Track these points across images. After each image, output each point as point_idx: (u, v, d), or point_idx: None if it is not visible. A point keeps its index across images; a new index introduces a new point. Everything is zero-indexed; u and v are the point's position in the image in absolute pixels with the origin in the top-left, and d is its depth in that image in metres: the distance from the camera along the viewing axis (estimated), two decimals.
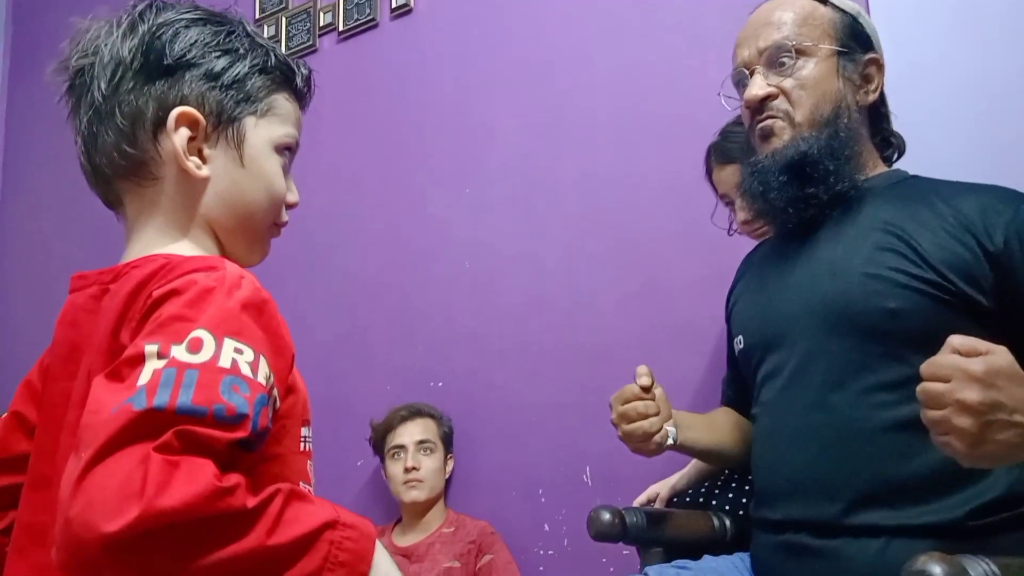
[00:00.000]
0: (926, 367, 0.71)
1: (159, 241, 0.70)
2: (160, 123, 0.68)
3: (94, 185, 0.73)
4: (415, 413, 1.80)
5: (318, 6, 2.30)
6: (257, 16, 2.40)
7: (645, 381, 1.04)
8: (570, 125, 1.83)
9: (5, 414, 0.76)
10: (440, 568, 1.66)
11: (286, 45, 2.33)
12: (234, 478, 0.52)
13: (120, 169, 0.70)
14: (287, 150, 0.75)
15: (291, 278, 2.16)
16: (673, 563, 1.10)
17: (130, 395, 0.51)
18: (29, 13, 2.94)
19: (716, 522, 1.21)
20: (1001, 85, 1.37)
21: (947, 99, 1.39)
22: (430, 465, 1.76)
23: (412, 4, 2.13)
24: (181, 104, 0.69)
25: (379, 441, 1.82)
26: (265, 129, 0.73)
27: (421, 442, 1.77)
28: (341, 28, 2.24)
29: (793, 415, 0.99)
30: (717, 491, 1.26)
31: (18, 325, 2.56)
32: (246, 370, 0.56)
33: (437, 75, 2.06)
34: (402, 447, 1.77)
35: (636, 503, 1.35)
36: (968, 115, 1.38)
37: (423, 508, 1.77)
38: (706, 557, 1.11)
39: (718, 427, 1.19)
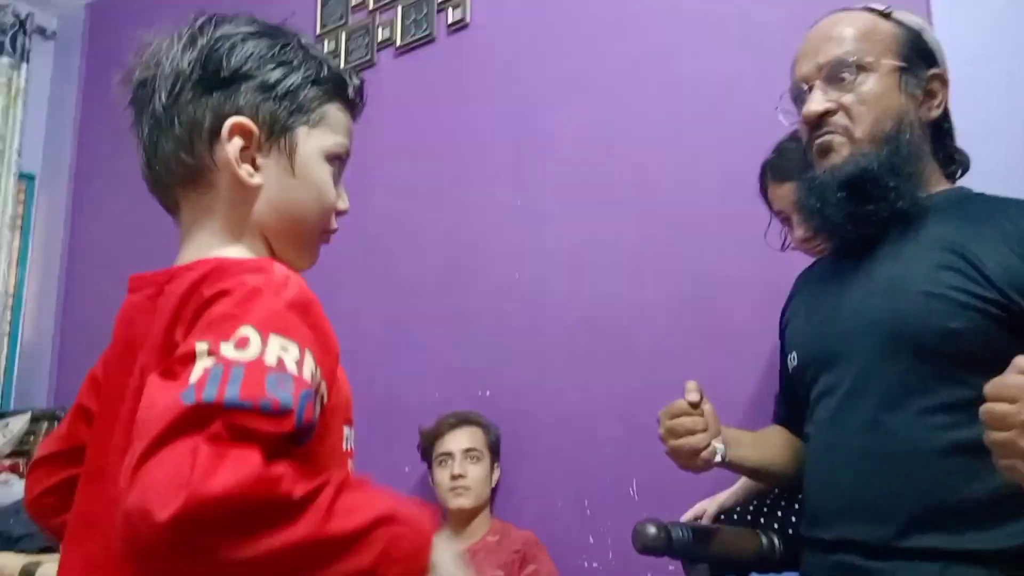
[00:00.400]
0: (991, 387, 0.70)
1: (213, 245, 0.72)
2: (216, 132, 0.71)
3: (154, 192, 0.76)
4: (463, 421, 1.82)
5: (376, 22, 2.36)
6: (318, 31, 2.47)
7: (694, 397, 1.03)
8: (624, 138, 1.84)
9: (73, 405, 0.80)
10: None
11: (345, 60, 2.39)
12: (281, 467, 0.53)
13: (178, 176, 0.73)
14: (337, 159, 0.77)
15: (347, 284, 2.21)
16: None
17: (182, 391, 0.54)
18: (104, 29, 3.08)
19: (764, 540, 1.19)
20: None
21: (1011, 113, 1.36)
22: (476, 473, 1.78)
23: (468, 19, 2.17)
24: (236, 114, 0.71)
25: (427, 447, 1.84)
26: (317, 139, 0.75)
27: (468, 450, 1.79)
28: (399, 43, 2.28)
29: (847, 434, 0.98)
30: (766, 509, 1.25)
31: (91, 327, 2.67)
32: (292, 367, 0.58)
33: (492, 89, 2.09)
34: (449, 454, 1.79)
35: (683, 519, 1.34)
36: None
37: (468, 516, 1.78)
38: (753, 575, 1.10)
39: (768, 445, 1.18)
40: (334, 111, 0.77)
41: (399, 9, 2.30)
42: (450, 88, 2.17)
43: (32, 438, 2.56)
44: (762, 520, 1.24)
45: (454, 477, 1.76)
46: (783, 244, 1.37)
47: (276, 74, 0.73)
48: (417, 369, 2.04)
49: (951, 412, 0.90)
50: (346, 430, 0.73)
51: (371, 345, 2.11)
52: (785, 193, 1.32)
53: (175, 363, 0.57)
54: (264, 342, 0.57)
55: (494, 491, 1.85)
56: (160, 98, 0.72)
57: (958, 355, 0.90)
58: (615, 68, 1.89)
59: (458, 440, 1.79)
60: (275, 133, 0.73)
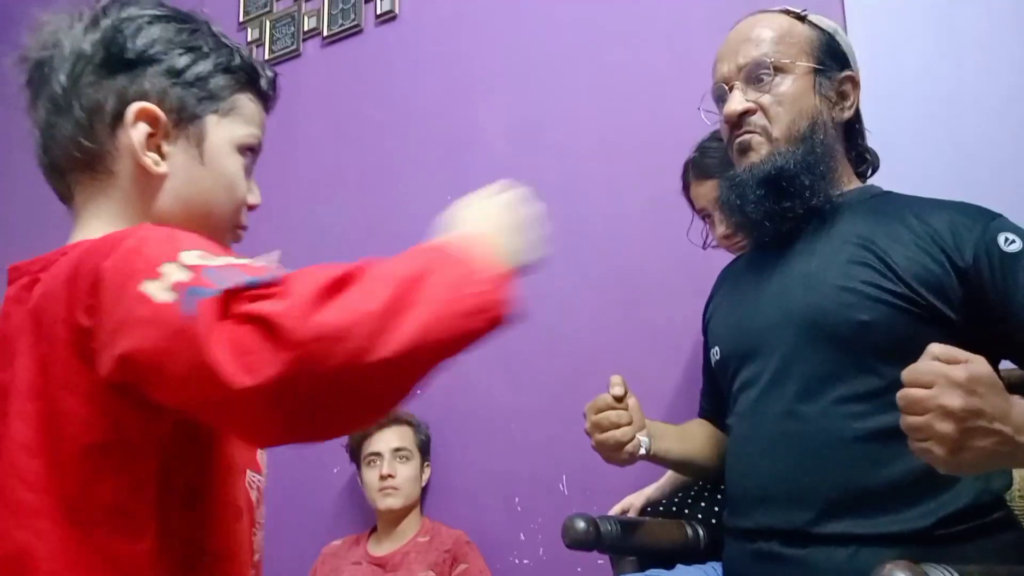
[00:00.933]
0: (908, 373, 0.72)
1: (100, 230, 0.67)
2: (118, 117, 0.68)
3: (49, 178, 0.73)
4: (392, 420, 1.80)
5: (303, 10, 2.30)
6: (241, 19, 2.40)
7: (618, 391, 1.05)
8: (552, 132, 1.84)
9: None
10: None
11: (270, 49, 2.32)
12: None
13: (76, 162, 0.70)
14: (250, 150, 0.75)
15: None
16: (647, 572, 1.11)
17: (176, 303, 0.52)
18: None
19: (690, 531, 1.21)
20: (974, 100, 1.39)
21: (921, 114, 1.42)
22: (406, 473, 1.75)
23: (397, 10, 2.14)
24: (141, 99, 0.68)
25: (355, 448, 1.81)
26: (227, 128, 0.72)
27: (397, 449, 1.76)
28: (326, 33, 2.23)
29: (766, 424, 1.00)
30: (691, 500, 1.27)
31: None
32: (231, 259, 0.57)
33: (421, 81, 2.07)
34: (378, 454, 1.76)
35: (610, 514, 1.35)
36: (942, 130, 1.41)
37: (398, 516, 1.76)
38: (679, 566, 1.12)
39: (692, 438, 1.20)
40: (246, 101, 0.74)
41: None
42: (378, 80, 2.13)
43: None
44: (687, 511, 1.26)
45: (383, 477, 1.73)
46: (704, 242, 1.40)
47: (184, 59, 0.70)
48: None
49: (864, 401, 0.93)
50: (249, 475, 0.71)
51: None
52: (706, 191, 1.34)
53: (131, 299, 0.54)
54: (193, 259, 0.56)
55: (424, 490, 1.84)
56: (59, 80, 0.69)
57: (870, 346, 0.93)
58: (543, 61, 1.89)
59: (387, 440, 1.77)
60: (183, 120, 0.70)
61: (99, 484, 0.60)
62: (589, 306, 1.72)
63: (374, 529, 1.82)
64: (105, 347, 0.56)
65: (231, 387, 0.49)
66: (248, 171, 0.75)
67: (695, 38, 1.67)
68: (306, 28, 2.28)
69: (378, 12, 2.16)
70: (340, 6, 2.23)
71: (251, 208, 0.77)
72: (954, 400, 0.68)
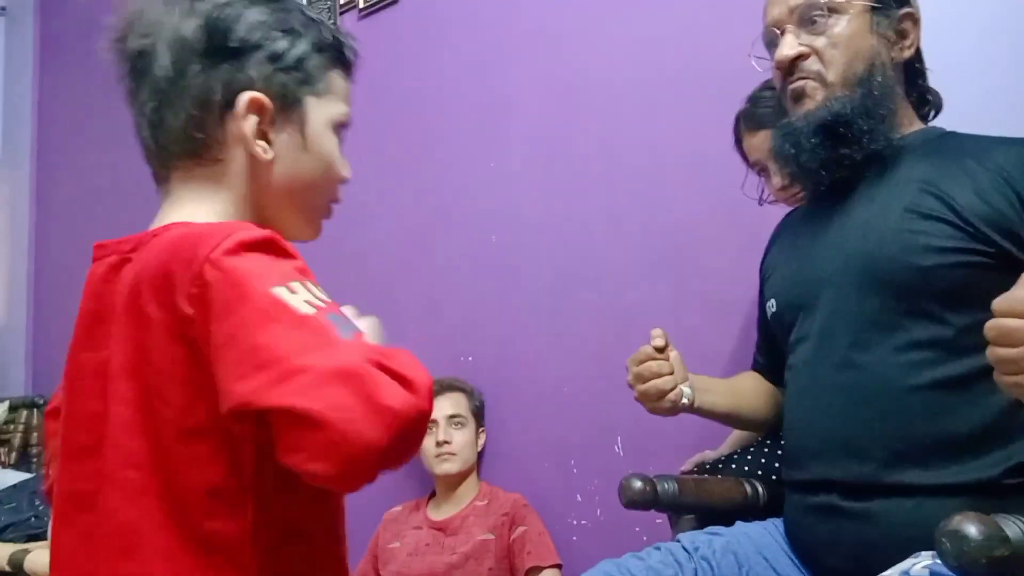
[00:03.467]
0: (1001, 302, 0.67)
1: (197, 216, 0.69)
2: (228, 106, 0.69)
3: (152, 161, 0.73)
4: (446, 388, 1.82)
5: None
6: None
7: (659, 342, 1.07)
8: (590, 93, 1.81)
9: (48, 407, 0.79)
10: (475, 540, 1.69)
11: None
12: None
13: (184, 150, 0.70)
14: (343, 127, 0.77)
15: (318, 254, 2.17)
16: (705, 530, 1.10)
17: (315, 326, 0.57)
18: (56, 2, 2.98)
19: (748, 488, 1.20)
20: None
21: (983, 49, 1.35)
22: (461, 439, 1.78)
23: None
24: (248, 88, 0.69)
25: None
26: (324, 109, 0.74)
27: (452, 416, 1.79)
28: (362, 6, 2.23)
29: (823, 375, 0.98)
30: (749, 456, 1.26)
31: (64, 311, 2.63)
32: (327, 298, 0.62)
33: (455, 50, 2.05)
34: (434, 421, 1.78)
35: (685, 467, 1.35)
36: (1005, 66, 1.34)
37: (456, 480, 1.79)
38: (738, 523, 1.11)
39: (740, 392, 1.19)
40: (337, 78, 0.76)
41: None
42: (414, 50, 2.13)
43: (12, 427, 2.53)
44: (746, 468, 1.25)
45: (439, 444, 1.76)
46: (760, 197, 1.36)
47: (284, 43, 0.71)
48: (396, 338, 2.00)
49: (928, 349, 0.90)
50: None
51: None
52: (760, 142, 1.30)
53: (263, 313, 0.57)
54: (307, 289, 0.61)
55: (481, 456, 1.86)
56: (163, 69, 0.69)
57: (932, 293, 0.90)
58: (578, 23, 1.85)
59: (441, 407, 1.79)
60: (287, 105, 0.71)
61: (198, 466, 0.61)
62: (635, 266, 1.70)
63: (433, 494, 1.85)
64: (220, 341, 0.57)
65: (395, 417, 0.54)
66: (340, 147, 0.77)
67: None
68: (343, 2, 2.28)
69: None
70: None
71: (343, 182, 0.79)
72: None
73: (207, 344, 0.58)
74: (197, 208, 0.70)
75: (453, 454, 1.76)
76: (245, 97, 0.69)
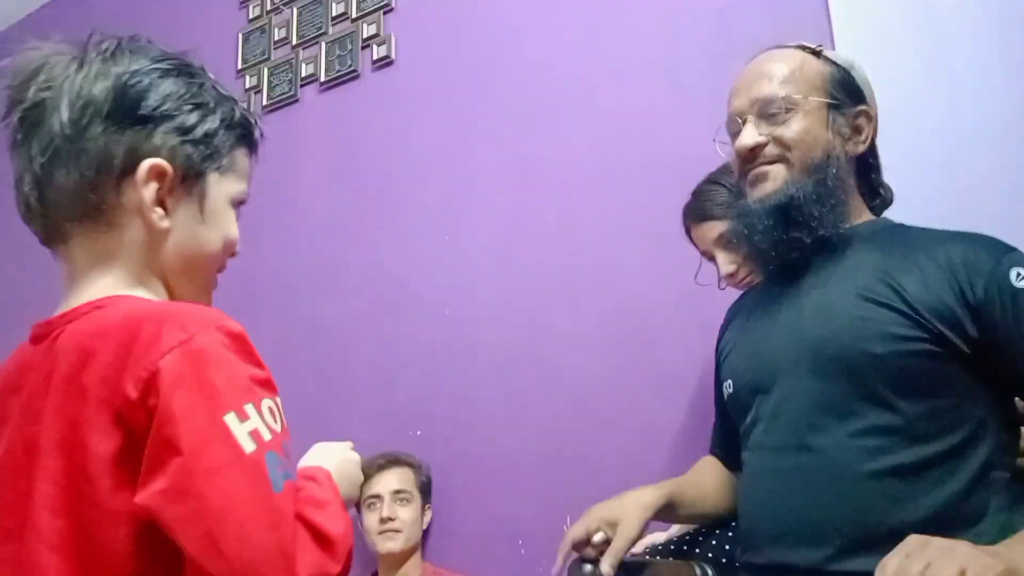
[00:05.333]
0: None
1: (112, 287, 0.70)
2: (127, 172, 0.68)
3: (34, 221, 0.71)
4: (392, 462, 1.77)
5: (300, 57, 2.33)
6: (239, 67, 2.43)
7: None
8: (550, 173, 1.86)
9: None
10: None
11: (268, 95, 2.35)
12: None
13: (75, 213, 0.69)
14: (240, 204, 0.77)
15: (272, 326, 2.14)
16: None
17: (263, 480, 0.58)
18: None
19: (699, 571, 1.19)
20: (969, 129, 1.41)
21: (914, 145, 1.43)
22: (406, 515, 1.73)
23: (393, 56, 2.17)
24: (152, 156, 0.69)
25: None
26: (225, 185, 0.74)
27: (397, 492, 1.74)
28: (323, 79, 2.27)
29: (777, 458, 0.99)
30: (701, 539, 1.24)
31: None
32: (277, 426, 0.63)
33: (418, 125, 2.09)
34: (378, 497, 1.73)
35: (635, 550, 1.32)
36: (935, 160, 1.42)
37: (400, 559, 1.72)
38: None
39: (705, 497, 1.20)
40: (241, 157, 0.76)
41: (323, 45, 2.29)
42: (375, 124, 2.16)
43: None
44: (697, 550, 1.24)
45: (383, 520, 1.70)
46: (718, 281, 1.41)
47: (194, 116, 0.71)
48: (346, 410, 1.98)
49: (881, 435, 0.92)
50: None
51: (297, 386, 2.04)
52: (704, 233, 1.37)
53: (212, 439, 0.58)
54: (258, 412, 0.61)
55: (426, 533, 1.80)
56: (61, 125, 0.67)
57: (885, 379, 0.92)
58: (539, 103, 1.91)
59: (387, 482, 1.74)
60: (188, 177, 0.71)
61: (119, 554, 0.59)
62: (590, 346, 1.71)
63: (374, 573, 1.78)
64: (157, 441, 0.57)
65: None
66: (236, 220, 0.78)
67: (691, 76, 1.71)
68: (304, 74, 2.31)
69: (375, 58, 2.19)
70: (337, 52, 2.26)
71: (234, 255, 0.79)
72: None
73: (144, 432, 0.58)
74: (106, 277, 0.70)
75: (398, 531, 1.71)
76: (147, 164, 0.68)
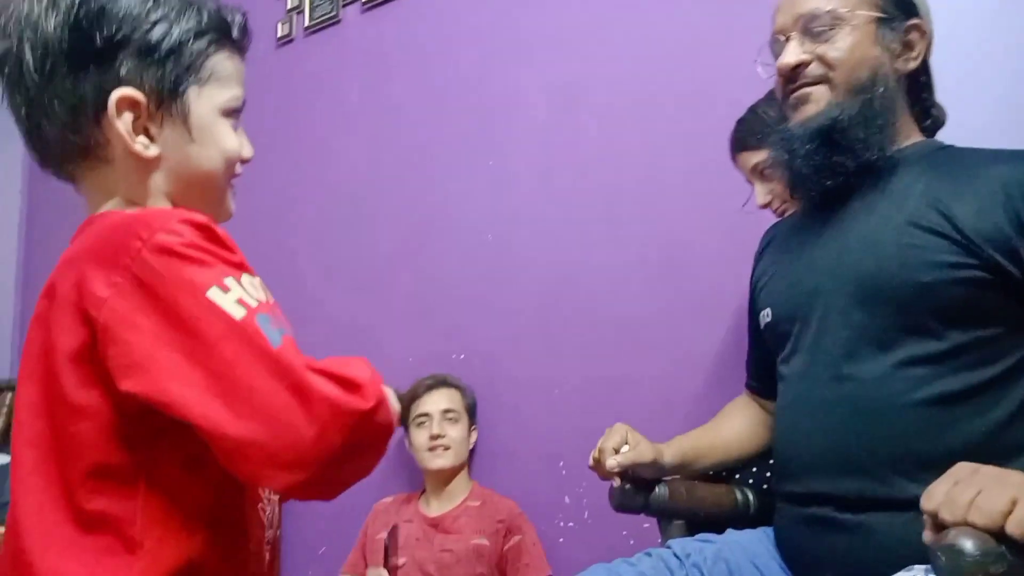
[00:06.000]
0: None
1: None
2: (101, 108, 0.66)
3: (45, 167, 0.72)
4: (440, 383, 1.82)
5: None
6: None
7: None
8: (592, 99, 1.81)
9: None
10: (468, 543, 1.68)
11: (310, 16, 2.32)
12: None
13: (68, 155, 0.69)
14: (235, 112, 0.73)
15: (313, 254, 2.17)
16: (696, 536, 1.10)
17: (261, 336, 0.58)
18: None
19: (739, 495, 1.21)
20: None
21: (985, 62, 1.35)
22: (455, 433, 1.77)
23: None
24: (119, 86, 0.66)
25: (404, 410, 1.83)
26: (209, 96, 0.70)
27: (446, 411, 1.78)
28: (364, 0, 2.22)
29: (816, 387, 0.98)
30: (741, 465, 1.26)
31: None
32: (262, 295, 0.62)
33: (459, 47, 2.04)
34: (427, 415, 1.78)
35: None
36: (1008, 79, 1.34)
37: (448, 476, 1.78)
38: (730, 531, 1.11)
39: (726, 443, 1.22)
40: (222, 61, 0.71)
41: None
42: (418, 45, 2.11)
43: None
44: (737, 475, 1.25)
45: (433, 437, 1.75)
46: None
47: (156, 33, 0.67)
48: (390, 336, 2.02)
49: (925, 365, 0.90)
50: None
51: (341, 313, 2.08)
52: (744, 162, 1.36)
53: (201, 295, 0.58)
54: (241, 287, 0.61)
55: (472, 454, 1.86)
56: (31, 75, 0.66)
57: (931, 308, 0.90)
58: (582, 24, 1.84)
59: (436, 401, 1.79)
60: (164, 99, 0.68)
61: (84, 445, 0.61)
62: (630, 272, 1.70)
63: (423, 490, 1.85)
64: (147, 332, 0.58)
65: (332, 416, 0.55)
66: (236, 127, 0.74)
67: None
68: None
69: None
70: None
71: (245, 161, 0.75)
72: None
73: (113, 328, 0.58)
74: (112, 205, 0.70)
75: (447, 448, 1.76)
76: (114, 96, 0.66)
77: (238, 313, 0.58)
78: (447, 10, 2.08)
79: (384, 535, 1.72)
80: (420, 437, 1.78)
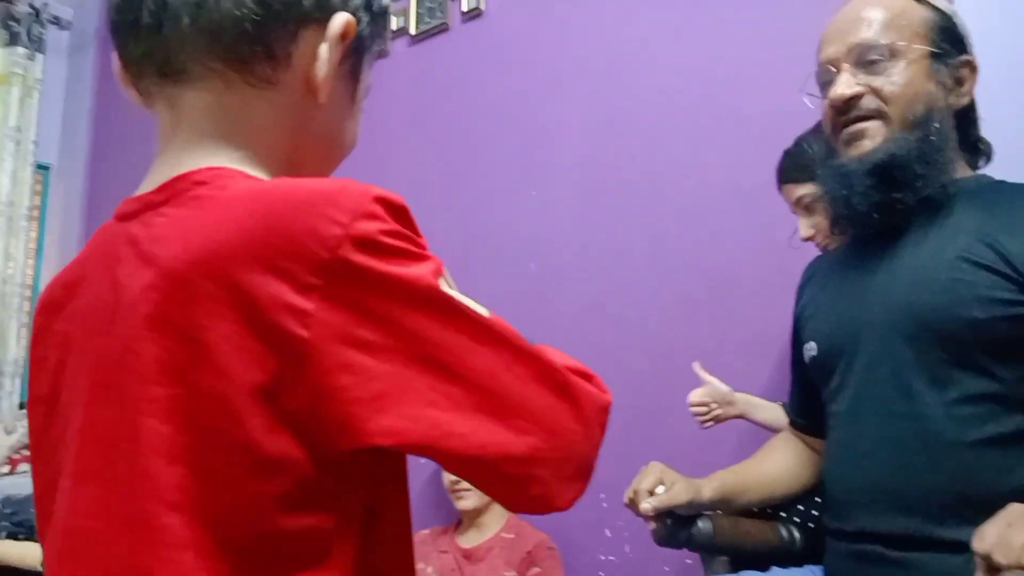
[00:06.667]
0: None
1: (238, 159, 0.54)
2: (309, 20, 0.54)
3: (135, 41, 0.54)
4: None
5: (391, 10, 2.34)
6: None
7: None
8: (637, 125, 1.82)
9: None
10: (497, 575, 1.66)
11: None
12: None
13: (219, 48, 0.53)
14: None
15: None
16: (740, 574, 1.08)
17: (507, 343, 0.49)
18: None
19: (784, 532, 1.18)
20: None
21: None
22: None
23: (483, 7, 2.15)
24: (343, 10, 0.56)
25: None
26: (368, 73, 0.62)
27: None
28: (413, 32, 2.27)
29: (866, 424, 0.96)
30: (788, 502, 1.23)
31: None
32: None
33: (506, 77, 2.08)
34: None
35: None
36: None
37: (475, 514, 1.78)
38: (774, 569, 1.09)
39: (771, 480, 1.19)
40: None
41: None
42: (465, 77, 2.16)
43: None
44: (783, 512, 1.22)
45: (452, 481, 1.75)
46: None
47: None
48: None
49: (979, 403, 0.88)
50: None
51: None
52: (788, 194, 1.36)
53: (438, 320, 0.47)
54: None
55: None
56: None
57: (984, 345, 0.88)
58: (627, 55, 1.86)
59: None
60: (358, 52, 0.59)
61: (272, 511, 0.46)
62: (676, 300, 1.69)
63: (460, 521, 1.84)
64: (378, 350, 0.44)
65: (599, 420, 0.51)
66: None
67: (782, 24, 1.62)
68: (394, 27, 2.32)
69: (464, 9, 2.18)
70: (427, 4, 2.26)
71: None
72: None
73: (343, 346, 0.44)
74: (224, 147, 0.54)
75: (467, 490, 1.75)
76: (343, 17, 0.55)
77: (483, 310, 0.48)
78: (491, 42, 2.12)
79: (421, 566, 1.71)
80: (445, 477, 1.79)
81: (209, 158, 0.53)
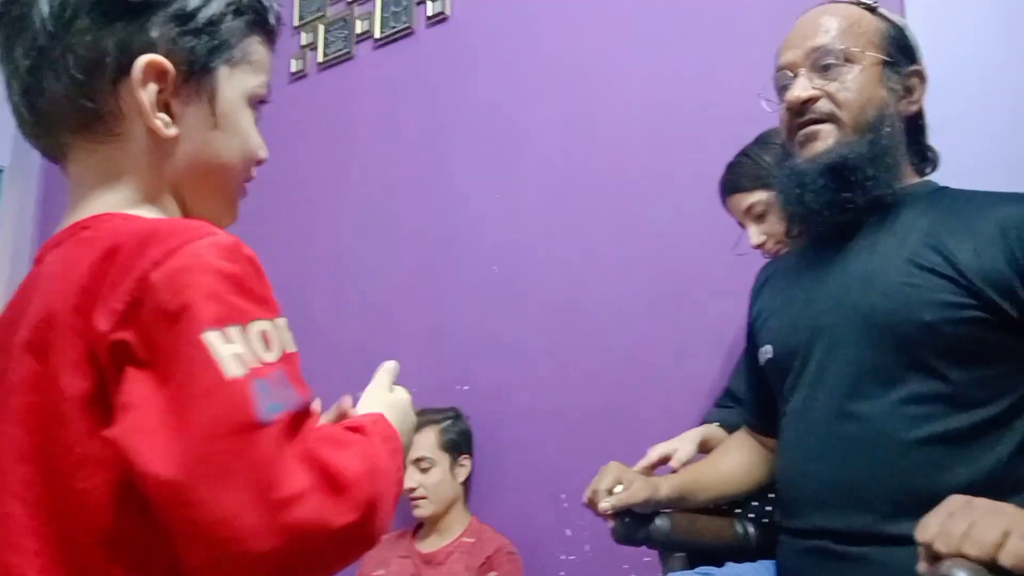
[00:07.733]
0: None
1: (120, 206, 0.61)
2: (122, 72, 0.58)
3: (31, 134, 0.63)
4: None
5: (355, 14, 2.34)
6: (295, 23, 2.45)
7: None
8: (603, 129, 1.85)
9: None
10: None
11: (323, 52, 2.37)
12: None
13: (70, 122, 0.60)
14: (260, 102, 0.67)
15: (323, 280, 2.20)
16: (696, 570, 1.10)
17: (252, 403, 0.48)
18: None
19: (740, 529, 1.20)
20: None
21: (978, 103, 1.38)
22: (429, 481, 1.74)
23: (448, 12, 2.16)
24: (148, 51, 0.58)
25: None
26: (239, 80, 0.64)
27: (416, 460, 1.74)
28: (377, 36, 2.27)
29: (818, 424, 0.98)
30: (742, 498, 1.25)
31: None
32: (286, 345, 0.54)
33: (471, 81, 2.09)
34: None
35: (641, 464, 1.27)
36: (999, 119, 1.37)
37: (435, 519, 1.77)
38: (729, 564, 1.11)
39: (727, 478, 1.21)
40: (256, 46, 0.66)
41: (378, 1, 2.29)
42: (429, 81, 2.16)
43: None
44: (738, 509, 1.25)
45: (408, 490, 1.73)
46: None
47: (194, 1, 0.61)
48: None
49: (928, 403, 0.91)
50: None
51: (347, 340, 2.10)
52: (735, 204, 1.39)
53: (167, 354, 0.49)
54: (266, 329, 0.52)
55: (469, 483, 1.84)
56: (43, 22, 0.58)
57: (934, 347, 0.91)
58: (594, 61, 1.89)
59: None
60: (193, 74, 0.61)
61: (97, 503, 0.51)
62: (640, 302, 1.72)
63: (420, 525, 1.84)
64: (132, 386, 0.49)
65: (293, 526, 0.46)
66: (256, 123, 0.68)
67: (746, 27, 1.66)
68: (359, 31, 2.32)
69: (429, 14, 2.19)
70: (392, 9, 2.26)
71: (260, 163, 0.69)
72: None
73: (116, 367, 0.50)
74: (110, 194, 0.61)
75: (423, 498, 1.74)
76: (142, 61, 0.58)
77: (233, 371, 0.48)
78: (457, 47, 2.13)
79: (380, 572, 1.70)
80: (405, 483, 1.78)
81: (96, 206, 0.61)
